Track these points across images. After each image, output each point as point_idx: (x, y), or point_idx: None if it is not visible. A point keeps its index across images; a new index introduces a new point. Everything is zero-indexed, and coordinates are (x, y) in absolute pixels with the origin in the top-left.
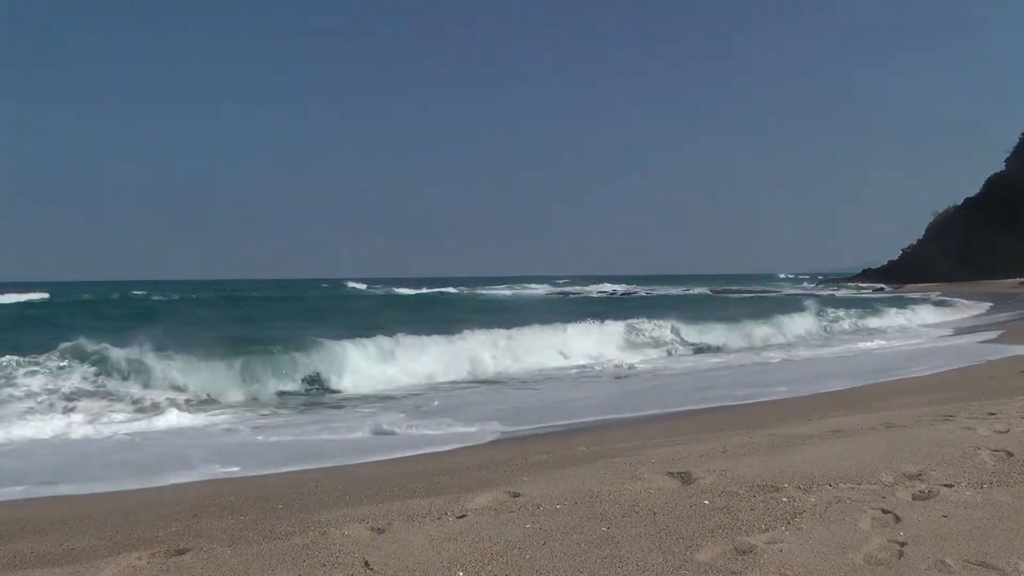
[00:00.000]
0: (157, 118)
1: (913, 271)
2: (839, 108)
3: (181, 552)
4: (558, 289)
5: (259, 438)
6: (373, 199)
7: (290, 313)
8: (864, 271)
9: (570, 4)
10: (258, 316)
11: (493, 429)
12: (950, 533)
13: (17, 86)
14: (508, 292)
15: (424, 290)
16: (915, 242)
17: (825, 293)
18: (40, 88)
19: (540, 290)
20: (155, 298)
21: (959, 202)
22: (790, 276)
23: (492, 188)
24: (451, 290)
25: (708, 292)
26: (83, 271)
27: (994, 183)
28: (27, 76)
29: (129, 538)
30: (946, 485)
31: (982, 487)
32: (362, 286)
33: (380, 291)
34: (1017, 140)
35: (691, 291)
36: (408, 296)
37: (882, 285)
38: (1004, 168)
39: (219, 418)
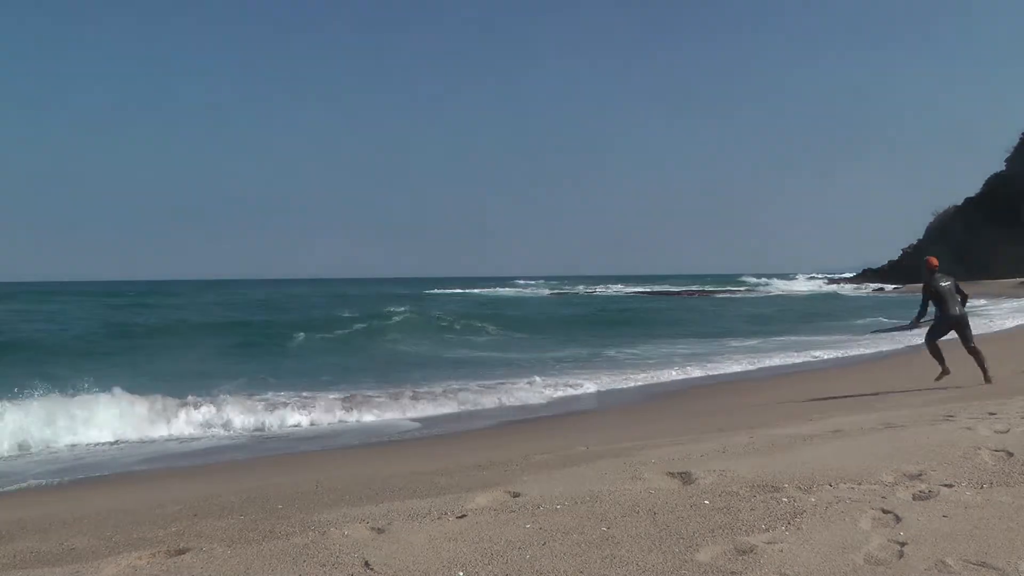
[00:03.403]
0: (156, 116)
1: (913, 271)
2: (839, 108)
3: (181, 552)
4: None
5: None
6: (351, 198)
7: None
8: (864, 271)
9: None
10: None
11: None
12: (950, 533)
13: (18, 86)
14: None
15: (482, 290)
16: (915, 242)
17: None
18: (40, 87)
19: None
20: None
21: (959, 202)
22: (815, 276)
23: (476, 187)
24: (505, 291)
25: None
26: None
27: (994, 183)
28: (29, 76)
29: (129, 538)
30: (946, 485)
31: (982, 487)
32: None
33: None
34: (1017, 140)
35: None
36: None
37: (882, 285)
38: (1004, 168)
39: None
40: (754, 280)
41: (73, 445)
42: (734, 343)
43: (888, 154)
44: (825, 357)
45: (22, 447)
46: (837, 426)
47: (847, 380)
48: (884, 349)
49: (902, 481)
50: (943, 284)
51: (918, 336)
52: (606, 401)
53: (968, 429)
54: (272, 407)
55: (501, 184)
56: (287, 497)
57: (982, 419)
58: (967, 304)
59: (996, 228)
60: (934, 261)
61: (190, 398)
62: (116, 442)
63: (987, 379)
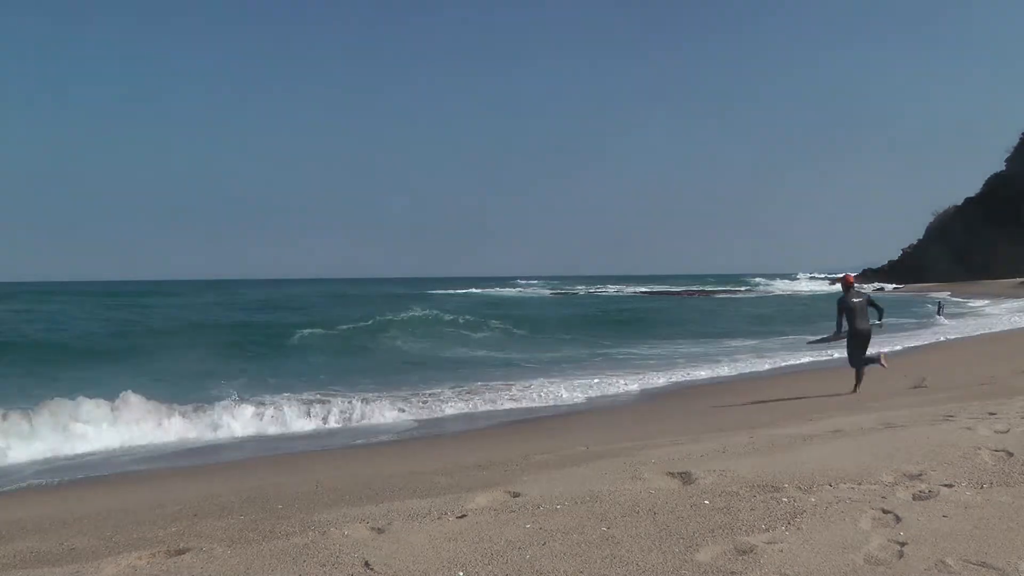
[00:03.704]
0: (156, 116)
1: (913, 271)
2: (839, 107)
3: (181, 552)
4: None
5: None
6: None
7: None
8: (864, 271)
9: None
10: None
11: None
12: (950, 533)
13: (18, 86)
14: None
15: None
16: (915, 242)
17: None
18: (40, 87)
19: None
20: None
21: (959, 202)
22: (816, 276)
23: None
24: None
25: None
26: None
27: (994, 183)
28: (29, 76)
29: (129, 538)
30: (946, 485)
31: (982, 487)
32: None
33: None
34: (1017, 140)
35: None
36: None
37: (883, 285)
38: (1004, 168)
39: None
40: (756, 280)
41: (73, 446)
42: (734, 343)
43: (888, 154)
44: (825, 357)
45: (22, 448)
46: (837, 426)
47: (847, 380)
48: (882, 351)
49: (902, 481)
50: (855, 301)
51: (909, 339)
52: (604, 402)
53: (968, 429)
54: (272, 407)
55: (501, 184)
56: (287, 497)
57: (982, 419)
58: (884, 316)
59: (996, 228)
60: (850, 278)
61: (190, 398)
62: (116, 443)
63: (855, 389)
